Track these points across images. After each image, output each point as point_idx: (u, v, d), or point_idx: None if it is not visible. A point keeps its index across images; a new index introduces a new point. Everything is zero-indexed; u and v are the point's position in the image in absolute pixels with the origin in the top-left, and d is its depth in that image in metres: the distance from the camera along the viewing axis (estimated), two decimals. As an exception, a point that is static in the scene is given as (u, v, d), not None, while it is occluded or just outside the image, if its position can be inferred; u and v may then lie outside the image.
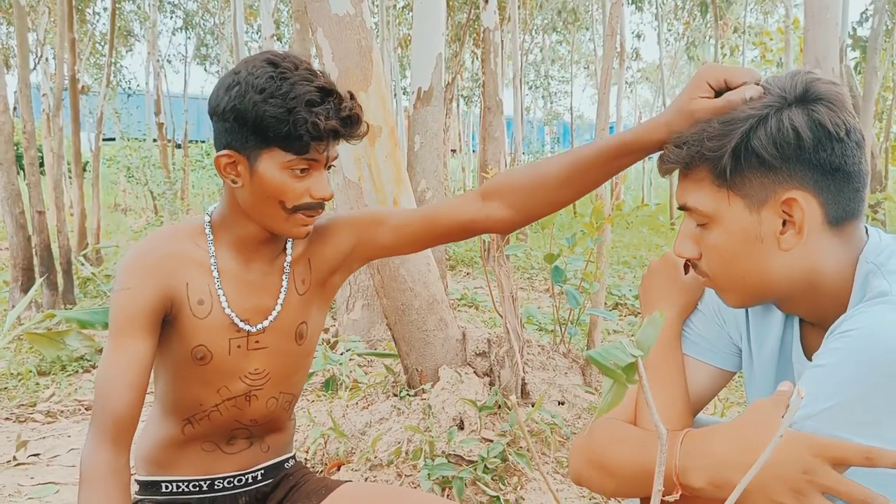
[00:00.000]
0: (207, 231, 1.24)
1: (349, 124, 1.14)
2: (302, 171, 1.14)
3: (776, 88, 0.93)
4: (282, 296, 1.26)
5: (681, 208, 1.01)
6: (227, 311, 1.21)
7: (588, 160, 1.14)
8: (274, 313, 1.25)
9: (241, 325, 1.22)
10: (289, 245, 1.29)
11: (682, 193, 1.00)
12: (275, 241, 1.26)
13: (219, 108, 1.13)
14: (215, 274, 1.21)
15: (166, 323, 1.21)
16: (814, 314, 1.00)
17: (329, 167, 1.19)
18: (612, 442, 1.03)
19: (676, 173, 1.03)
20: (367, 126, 1.19)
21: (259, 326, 1.24)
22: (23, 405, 3.43)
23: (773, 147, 0.90)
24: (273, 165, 1.12)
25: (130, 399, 1.10)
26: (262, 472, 1.36)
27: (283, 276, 1.27)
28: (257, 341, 1.25)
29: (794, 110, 0.91)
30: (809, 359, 1.01)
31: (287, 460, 1.42)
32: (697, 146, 0.94)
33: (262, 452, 1.36)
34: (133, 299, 1.14)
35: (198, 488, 1.31)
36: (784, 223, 0.93)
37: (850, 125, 0.91)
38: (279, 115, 1.08)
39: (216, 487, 1.32)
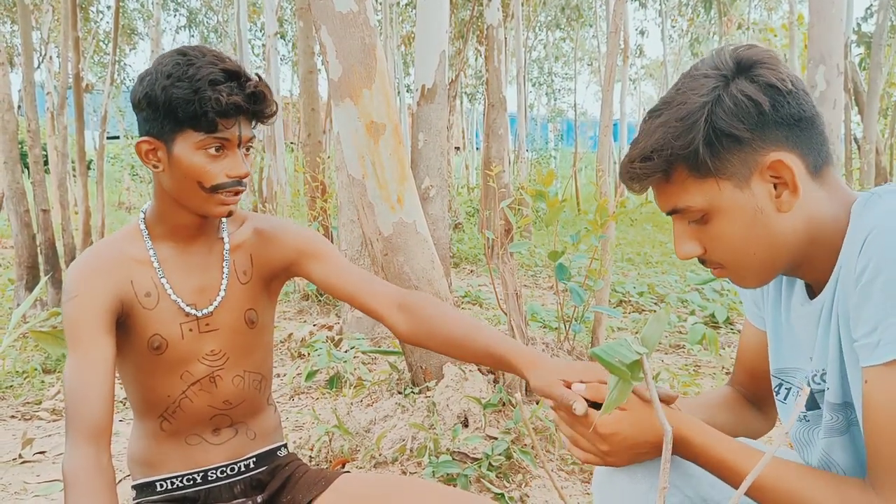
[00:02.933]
0: (142, 228, 1.29)
1: (254, 101, 1.19)
2: (217, 149, 1.19)
3: (710, 70, 0.96)
4: (224, 280, 1.31)
5: (669, 213, 1.01)
6: (173, 297, 1.26)
7: (475, 348, 1.25)
8: (219, 297, 1.30)
9: (188, 309, 1.27)
10: (225, 234, 1.34)
11: (665, 200, 1.00)
12: (209, 225, 1.32)
13: (135, 98, 1.19)
14: (156, 265, 1.27)
15: (121, 325, 1.24)
16: (814, 271, 1.01)
17: (247, 148, 1.23)
18: None
19: None
20: (277, 106, 1.24)
21: (206, 311, 1.29)
22: (28, 403, 3.44)
23: (738, 121, 0.92)
24: (187, 147, 1.18)
25: (101, 399, 1.12)
26: (255, 460, 1.38)
27: (224, 262, 1.32)
28: (207, 324, 1.30)
29: (738, 81, 0.93)
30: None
31: (279, 448, 1.43)
32: (667, 149, 0.95)
33: (249, 440, 1.38)
34: (83, 305, 1.18)
35: (192, 482, 1.32)
36: (775, 186, 0.95)
37: (791, 76, 0.95)
38: (185, 95, 1.14)
39: (210, 479, 1.33)
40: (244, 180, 1.22)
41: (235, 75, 1.17)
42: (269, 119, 1.24)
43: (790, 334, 1.10)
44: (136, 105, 1.20)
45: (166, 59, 1.17)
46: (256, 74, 1.22)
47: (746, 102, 0.92)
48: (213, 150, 1.18)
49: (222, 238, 1.34)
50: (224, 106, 1.14)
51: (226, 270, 1.32)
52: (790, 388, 1.11)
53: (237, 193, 1.23)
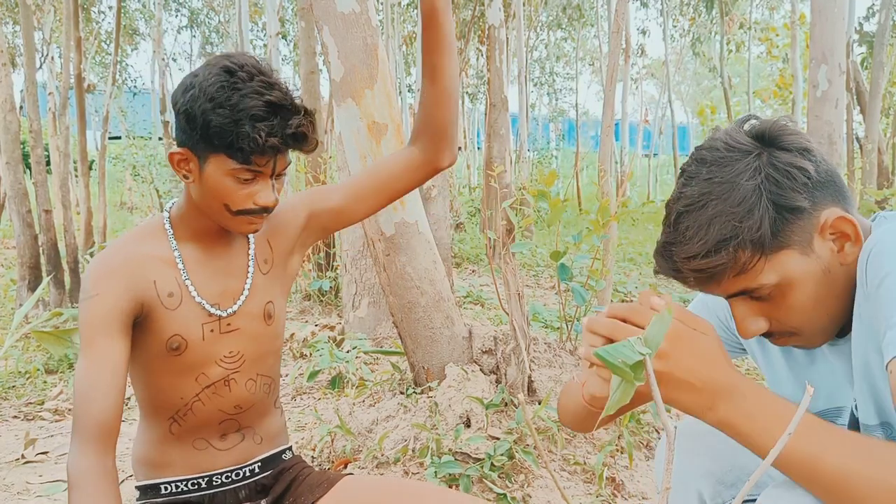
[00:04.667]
0: (167, 227, 1.28)
1: (295, 140, 1.17)
2: (246, 179, 1.17)
3: (734, 154, 0.95)
4: (249, 278, 1.31)
5: (734, 296, 0.99)
6: (197, 298, 1.25)
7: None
8: (243, 296, 1.30)
9: (212, 310, 1.26)
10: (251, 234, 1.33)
11: (730, 286, 0.97)
12: None
13: (177, 106, 1.18)
14: (180, 266, 1.25)
15: (138, 324, 1.23)
16: None
17: (279, 176, 1.22)
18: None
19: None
20: (317, 142, 1.22)
21: (230, 310, 1.28)
22: (31, 403, 3.44)
23: (795, 193, 0.93)
24: (219, 170, 1.16)
25: (110, 402, 1.12)
26: (260, 464, 1.38)
27: (249, 260, 1.32)
28: (229, 324, 1.29)
29: (774, 154, 0.94)
30: None
31: (283, 452, 1.43)
32: (735, 238, 0.92)
33: (255, 445, 1.37)
34: (102, 305, 1.17)
35: (196, 486, 1.32)
36: (834, 240, 0.95)
37: (806, 134, 0.96)
38: (224, 125, 1.12)
39: (215, 483, 1.33)
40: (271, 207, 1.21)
41: (280, 109, 1.14)
42: (309, 152, 1.22)
43: (825, 379, 1.08)
44: (176, 112, 1.18)
45: (212, 77, 1.13)
46: (303, 107, 1.17)
47: (796, 172, 0.92)
48: (243, 179, 1.17)
49: (247, 237, 1.33)
50: (261, 146, 1.12)
51: (251, 270, 1.31)
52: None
53: (261, 218, 1.23)
